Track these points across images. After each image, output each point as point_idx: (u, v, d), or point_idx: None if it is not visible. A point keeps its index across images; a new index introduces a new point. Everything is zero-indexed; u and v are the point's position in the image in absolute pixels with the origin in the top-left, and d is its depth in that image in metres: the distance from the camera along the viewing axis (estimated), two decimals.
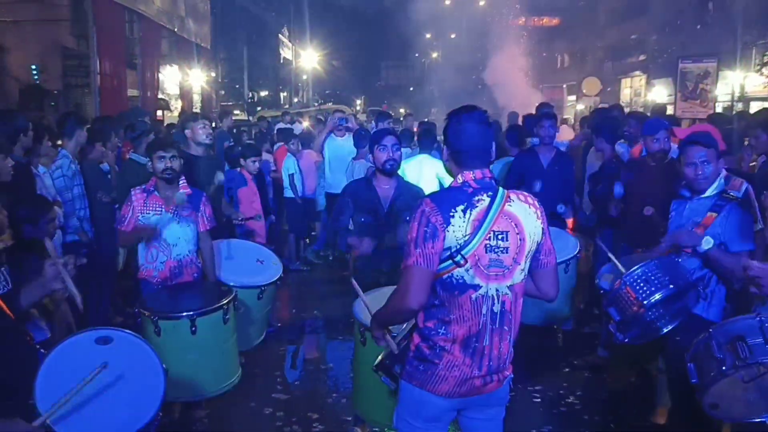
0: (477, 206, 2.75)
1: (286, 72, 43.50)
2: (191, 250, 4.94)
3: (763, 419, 3.26)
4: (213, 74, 26.97)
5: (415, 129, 11.42)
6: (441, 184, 6.76)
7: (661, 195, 5.19)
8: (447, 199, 2.77)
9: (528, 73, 24.81)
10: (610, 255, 4.23)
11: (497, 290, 2.80)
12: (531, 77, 26.28)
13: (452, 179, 2.97)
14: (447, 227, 2.70)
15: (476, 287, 2.77)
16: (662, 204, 5.09)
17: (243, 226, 6.96)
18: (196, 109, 21.99)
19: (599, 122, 7.18)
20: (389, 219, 4.68)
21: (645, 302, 3.63)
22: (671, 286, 3.62)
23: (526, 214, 2.85)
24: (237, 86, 34.99)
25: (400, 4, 33.41)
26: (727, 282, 3.86)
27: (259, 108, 29.22)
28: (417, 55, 57.85)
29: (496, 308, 2.81)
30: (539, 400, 5.38)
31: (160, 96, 18.46)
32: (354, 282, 3.71)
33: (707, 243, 3.72)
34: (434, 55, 55.84)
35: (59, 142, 6.23)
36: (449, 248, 2.71)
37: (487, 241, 2.74)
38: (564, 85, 36.88)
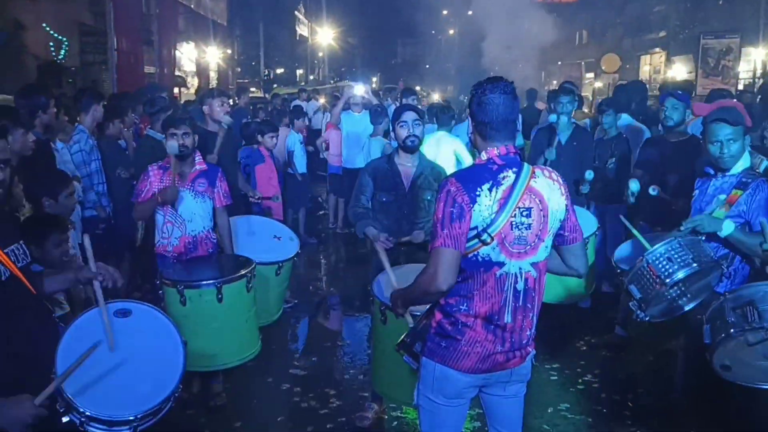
0: (503, 184, 2.71)
1: (302, 49, 43.25)
2: (206, 226, 4.93)
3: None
4: (229, 51, 26.91)
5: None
6: (459, 162, 6.71)
7: (680, 172, 5.15)
8: (472, 178, 2.72)
9: (546, 50, 24.55)
10: (635, 232, 4.17)
11: (520, 267, 2.78)
12: (549, 54, 26.06)
13: (470, 156, 2.96)
14: (473, 206, 2.66)
15: (501, 264, 2.74)
16: (681, 181, 5.05)
17: (259, 204, 6.96)
18: (213, 85, 22.02)
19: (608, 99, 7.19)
20: (410, 197, 4.65)
21: (667, 280, 3.59)
22: (694, 265, 3.58)
23: (550, 190, 2.82)
24: (253, 63, 34.89)
25: None
26: (750, 260, 3.80)
27: (275, 85, 29.09)
28: (433, 32, 57.35)
29: (520, 285, 2.79)
30: (556, 377, 5.37)
31: (176, 73, 18.44)
32: (383, 256, 3.75)
33: (728, 228, 3.66)
34: (451, 32, 55.36)
35: (78, 119, 6.25)
36: (476, 227, 2.68)
37: (513, 218, 2.71)
38: (582, 62, 36.44)
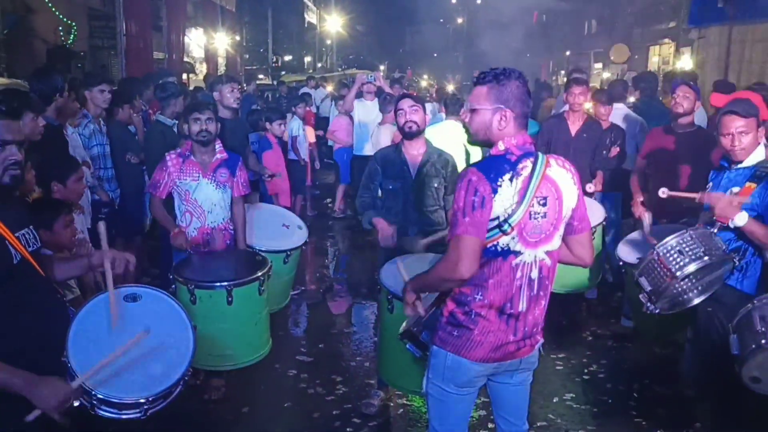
0: (521, 174, 2.71)
1: (310, 36, 43.17)
2: (225, 217, 4.90)
3: None
4: (237, 38, 26.83)
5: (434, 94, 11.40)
6: (468, 153, 6.71)
7: (688, 164, 5.14)
8: (493, 168, 2.71)
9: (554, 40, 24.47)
10: (646, 222, 4.15)
11: (535, 256, 2.80)
12: (557, 44, 25.96)
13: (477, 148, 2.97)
14: (494, 197, 2.66)
15: (517, 253, 2.76)
16: (691, 174, 5.05)
17: (266, 185, 6.99)
18: (221, 72, 21.99)
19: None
20: (417, 185, 4.65)
21: (678, 273, 3.58)
22: (706, 258, 3.57)
23: (564, 179, 2.83)
24: (261, 50, 34.84)
25: None
26: (762, 254, 3.79)
27: (283, 72, 29.05)
28: (442, 20, 57.14)
29: (534, 274, 2.81)
30: (562, 367, 5.38)
31: (185, 59, 18.42)
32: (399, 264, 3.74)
33: (741, 219, 3.63)
34: (459, 20, 55.16)
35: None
36: (497, 218, 2.68)
37: (531, 208, 2.72)
38: (591, 52, 36.26)
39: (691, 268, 3.57)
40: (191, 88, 13.06)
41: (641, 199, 5.35)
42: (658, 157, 5.46)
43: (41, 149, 4.36)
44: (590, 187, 6.04)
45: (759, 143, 3.85)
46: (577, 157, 6.17)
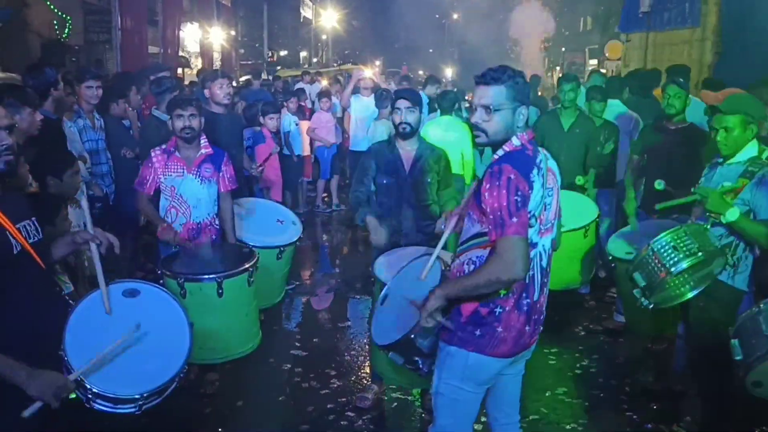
0: (541, 167, 2.79)
1: (305, 31, 43.11)
2: (211, 212, 4.88)
3: None
4: (233, 32, 26.79)
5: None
6: (463, 148, 6.75)
7: (681, 160, 5.18)
8: (524, 164, 2.75)
9: (549, 37, 24.47)
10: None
11: (544, 245, 2.88)
12: (553, 41, 25.96)
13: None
14: (531, 192, 2.71)
15: (535, 245, 2.83)
16: (681, 170, 5.08)
17: (258, 181, 6.98)
18: (216, 67, 21.95)
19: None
20: (411, 180, 4.68)
21: (673, 269, 3.62)
22: (700, 254, 3.60)
23: (555, 169, 2.95)
24: (257, 45, 34.73)
25: None
26: (753, 249, 3.82)
27: (278, 67, 29.02)
28: (437, 16, 57.02)
29: (544, 262, 2.90)
30: (555, 362, 5.41)
31: (180, 53, 18.39)
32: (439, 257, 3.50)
33: (732, 215, 3.65)
34: (455, 16, 55.06)
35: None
36: (531, 212, 2.73)
37: (544, 199, 2.81)
38: (586, 49, 36.28)
39: (686, 263, 3.61)
40: (186, 82, 13.05)
41: (633, 195, 5.39)
42: (651, 154, 5.49)
43: (38, 143, 4.36)
44: (580, 179, 6.07)
45: (750, 140, 3.88)
46: (570, 153, 6.22)
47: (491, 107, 2.80)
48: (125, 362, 2.89)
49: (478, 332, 2.86)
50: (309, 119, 10.80)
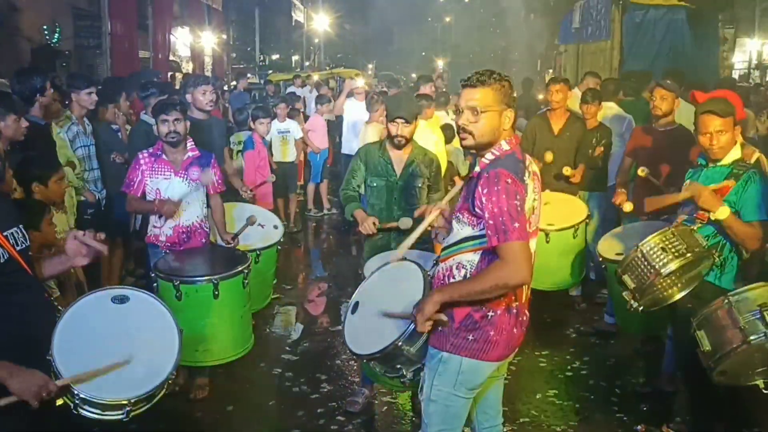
0: (530, 170, 2.85)
1: (298, 35, 43.04)
2: (200, 215, 4.89)
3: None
4: (224, 36, 26.74)
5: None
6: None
7: (670, 161, 5.20)
8: (517, 168, 2.78)
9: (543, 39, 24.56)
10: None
11: (531, 247, 2.88)
12: (546, 41, 26.02)
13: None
14: (527, 196, 2.76)
15: None
16: (672, 171, 5.10)
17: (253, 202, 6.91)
18: (208, 71, 21.92)
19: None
20: (401, 183, 4.68)
21: (663, 270, 3.63)
22: (688, 255, 3.62)
23: (538, 173, 2.97)
24: (248, 49, 34.72)
25: None
26: (739, 250, 3.84)
27: (270, 71, 29.00)
28: (430, 19, 57.16)
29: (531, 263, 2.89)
30: (545, 364, 5.41)
31: (171, 58, 18.36)
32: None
33: (723, 212, 3.68)
34: (447, 19, 55.21)
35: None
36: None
37: (534, 202, 2.84)
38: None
39: (675, 264, 3.62)
40: (177, 87, 13.03)
41: (624, 191, 5.39)
42: (641, 156, 5.51)
43: (24, 149, 4.36)
44: (567, 170, 6.07)
45: (736, 142, 3.90)
46: (561, 155, 6.23)
47: (478, 109, 2.80)
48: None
49: (471, 337, 2.85)
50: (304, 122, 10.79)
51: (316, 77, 16.94)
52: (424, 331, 2.87)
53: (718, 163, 3.91)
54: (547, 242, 5.37)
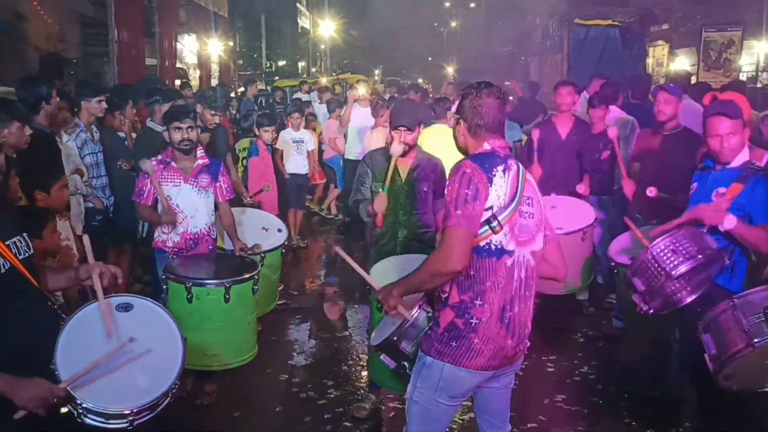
0: (512, 169, 2.82)
1: (304, 41, 43.14)
2: (208, 222, 4.93)
3: None
4: (231, 43, 26.82)
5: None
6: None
7: (675, 164, 5.16)
8: (487, 160, 2.81)
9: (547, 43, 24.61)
10: (638, 234, 4.16)
11: (524, 255, 2.86)
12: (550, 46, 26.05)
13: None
14: (490, 186, 2.73)
15: (510, 253, 2.81)
16: (676, 175, 5.06)
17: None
18: (215, 78, 21.98)
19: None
20: (407, 189, 4.68)
21: (673, 273, 3.58)
22: (699, 257, 3.57)
23: (536, 187, 2.98)
24: (255, 56, 34.77)
25: None
26: (748, 254, 3.81)
27: (276, 77, 29.04)
28: (435, 24, 57.17)
29: (522, 273, 2.87)
30: (553, 369, 5.39)
31: (178, 65, 18.42)
32: (340, 250, 3.98)
33: (730, 223, 3.64)
34: (453, 24, 55.23)
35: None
36: (490, 207, 2.73)
37: (521, 207, 2.81)
38: None
39: (686, 267, 3.58)
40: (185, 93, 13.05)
41: (632, 180, 5.37)
42: (647, 159, 5.48)
43: (28, 157, 4.36)
44: (581, 188, 6.06)
45: (745, 144, 3.87)
46: (568, 160, 6.21)
47: (458, 117, 2.98)
48: (117, 377, 2.85)
49: (454, 344, 2.84)
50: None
51: (324, 81, 16.93)
52: (395, 320, 3.03)
53: (727, 166, 3.88)
54: None
